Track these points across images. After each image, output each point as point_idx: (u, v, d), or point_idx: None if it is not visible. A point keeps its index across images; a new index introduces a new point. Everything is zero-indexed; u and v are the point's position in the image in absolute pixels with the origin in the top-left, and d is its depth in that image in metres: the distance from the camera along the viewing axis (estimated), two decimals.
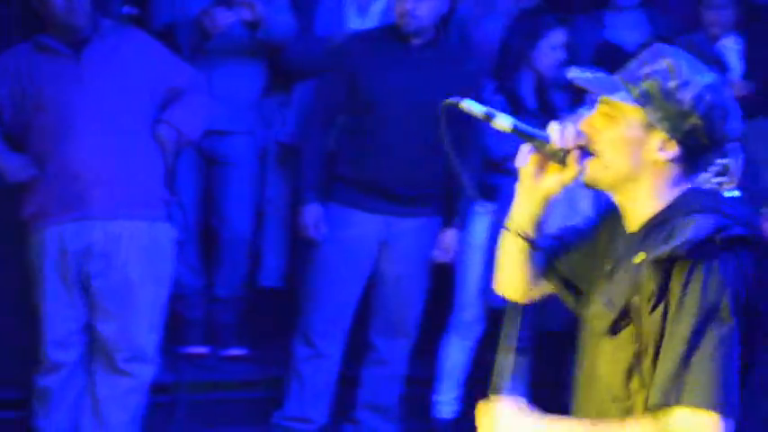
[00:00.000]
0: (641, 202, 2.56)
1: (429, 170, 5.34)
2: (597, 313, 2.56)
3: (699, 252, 2.39)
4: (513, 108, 5.42)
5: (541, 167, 2.64)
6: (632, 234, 2.58)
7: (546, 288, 2.85)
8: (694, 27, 6.37)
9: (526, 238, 2.71)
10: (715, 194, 2.56)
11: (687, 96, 2.49)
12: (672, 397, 2.35)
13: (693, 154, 2.53)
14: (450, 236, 5.51)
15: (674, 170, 2.54)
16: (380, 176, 5.33)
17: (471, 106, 2.57)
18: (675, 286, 2.40)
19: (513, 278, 2.82)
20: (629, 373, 2.49)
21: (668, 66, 2.52)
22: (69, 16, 4.74)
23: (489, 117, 2.58)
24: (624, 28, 6.34)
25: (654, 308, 2.41)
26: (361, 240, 5.40)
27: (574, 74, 2.58)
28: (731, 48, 6.05)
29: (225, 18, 5.50)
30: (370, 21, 5.96)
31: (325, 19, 6.04)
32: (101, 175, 4.74)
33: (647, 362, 2.45)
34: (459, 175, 2.71)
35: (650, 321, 2.42)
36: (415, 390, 5.77)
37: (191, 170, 5.74)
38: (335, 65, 5.43)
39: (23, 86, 4.78)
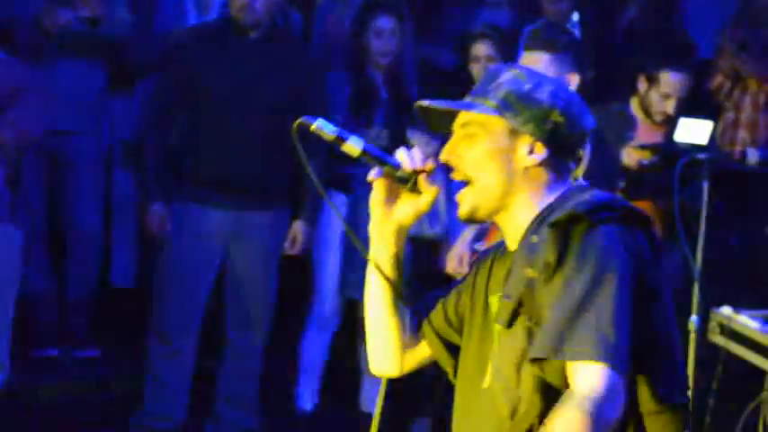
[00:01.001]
0: (521, 216, 2.51)
1: (273, 163, 5.33)
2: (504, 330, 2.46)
3: (598, 216, 2.39)
4: (365, 100, 5.44)
5: (393, 196, 2.59)
6: (515, 251, 2.51)
7: (424, 353, 2.73)
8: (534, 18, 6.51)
9: (387, 279, 2.61)
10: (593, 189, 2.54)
11: (544, 95, 2.51)
12: (557, 349, 2.29)
13: (560, 154, 2.53)
14: (297, 228, 5.51)
15: (547, 175, 2.52)
16: (224, 172, 5.29)
17: (322, 128, 2.53)
18: (574, 245, 2.36)
19: (384, 330, 2.68)
20: (521, 361, 2.41)
21: (515, 74, 2.53)
22: None
23: (341, 139, 2.54)
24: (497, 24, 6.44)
25: (554, 272, 2.36)
26: (208, 236, 5.36)
27: (425, 103, 2.55)
28: None
29: (64, 16, 5.43)
30: (211, 16, 5.94)
31: (165, 14, 6.01)
32: None
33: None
34: (308, 172, 2.60)
35: (547, 291, 2.37)
36: (275, 383, 5.78)
37: (35, 171, 5.67)
38: (172, 61, 5.39)
39: None
